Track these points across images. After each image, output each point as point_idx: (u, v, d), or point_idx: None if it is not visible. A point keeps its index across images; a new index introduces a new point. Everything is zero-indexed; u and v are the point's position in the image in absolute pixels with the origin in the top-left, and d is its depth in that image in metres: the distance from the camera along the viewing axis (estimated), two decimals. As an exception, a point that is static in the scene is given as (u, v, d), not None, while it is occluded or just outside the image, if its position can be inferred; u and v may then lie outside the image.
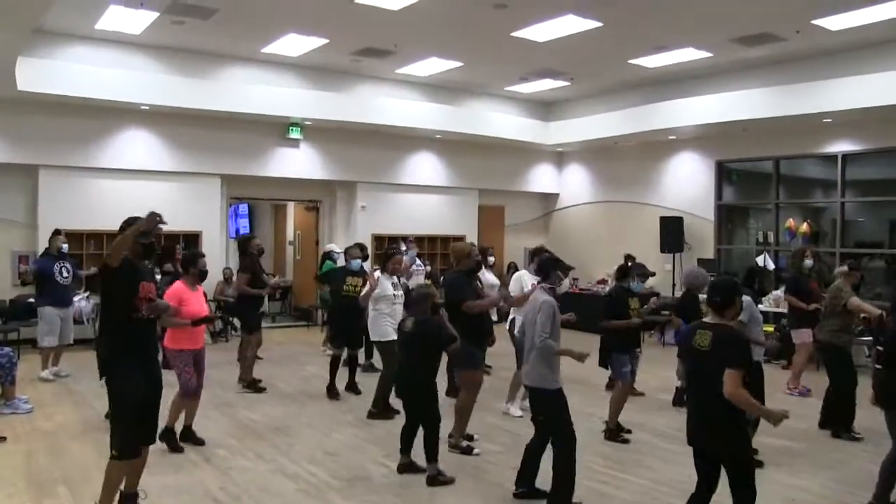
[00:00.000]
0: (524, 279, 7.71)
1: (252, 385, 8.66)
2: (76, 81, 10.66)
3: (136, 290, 4.45)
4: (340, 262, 10.09)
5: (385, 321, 7.30)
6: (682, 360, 4.30)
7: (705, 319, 4.19)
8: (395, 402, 7.30)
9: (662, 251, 13.82)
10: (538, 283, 5.48)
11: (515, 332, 7.42)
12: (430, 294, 5.80)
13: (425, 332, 5.61)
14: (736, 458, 4.03)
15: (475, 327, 6.34)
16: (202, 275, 6.53)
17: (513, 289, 7.68)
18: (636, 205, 15.15)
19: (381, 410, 7.38)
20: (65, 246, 9.45)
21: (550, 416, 5.03)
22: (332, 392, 8.31)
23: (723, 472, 4.08)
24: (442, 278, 7.04)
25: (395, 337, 6.41)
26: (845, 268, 7.50)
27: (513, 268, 14.82)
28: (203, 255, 6.72)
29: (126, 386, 4.38)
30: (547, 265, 5.46)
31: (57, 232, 9.56)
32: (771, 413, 3.98)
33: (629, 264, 7.45)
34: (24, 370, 8.63)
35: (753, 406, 3.93)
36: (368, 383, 8.67)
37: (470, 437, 6.52)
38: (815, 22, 9.60)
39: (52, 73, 10.45)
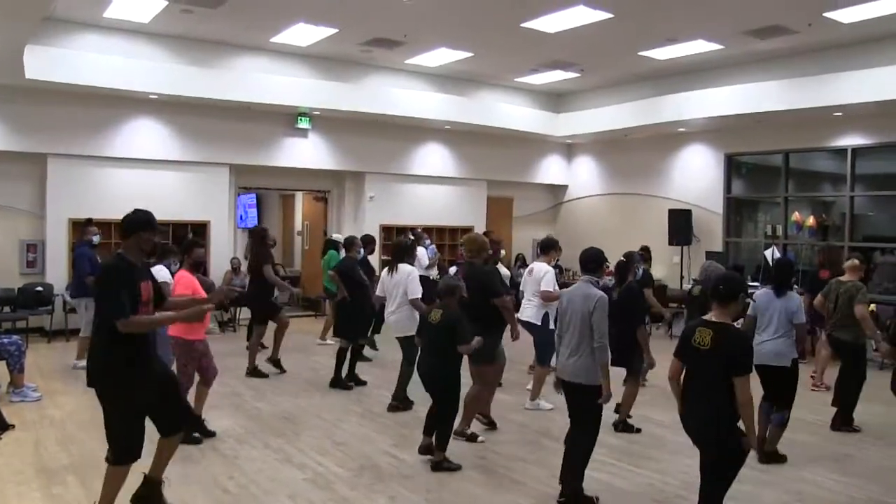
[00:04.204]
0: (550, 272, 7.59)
1: (255, 372, 8.87)
2: (85, 70, 10.65)
3: (139, 296, 4.24)
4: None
5: (415, 315, 7.14)
6: (678, 358, 4.16)
7: (706, 317, 4.11)
8: (411, 393, 7.37)
9: (671, 244, 13.79)
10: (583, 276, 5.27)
11: (550, 325, 7.28)
12: (459, 286, 5.85)
13: (452, 323, 5.63)
14: (721, 459, 3.99)
15: (499, 321, 6.42)
16: (196, 265, 6.41)
17: (549, 285, 7.47)
18: (645, 197, 15.11)
19: (401, 402, 7.37)
20: (96, 238, 9.53)
21: (589, 410, 4.97)
22: (340, 383, 8.35)
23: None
24: (455, 269, 6.95)
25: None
26: (855, 261, 7.32)
27: (520, 259, 14.82)
28: (202, 247, 6.62)
29: (136, 394, 4.19)
30: (597, 258, 5.26)
31: (88, 222, 9.64)
32: (752, 438, 4.01)
33: (623, 260, 7.37)
34: (32, 358, 8.67)
35: (750, 419, 3.91)
36: (365, 371, 8.84)
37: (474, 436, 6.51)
38: (827, 14, 9.52)
39: (60, 61, 10.44)
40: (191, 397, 6.22)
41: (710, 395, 3.93)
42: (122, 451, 4.26)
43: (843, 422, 6.99)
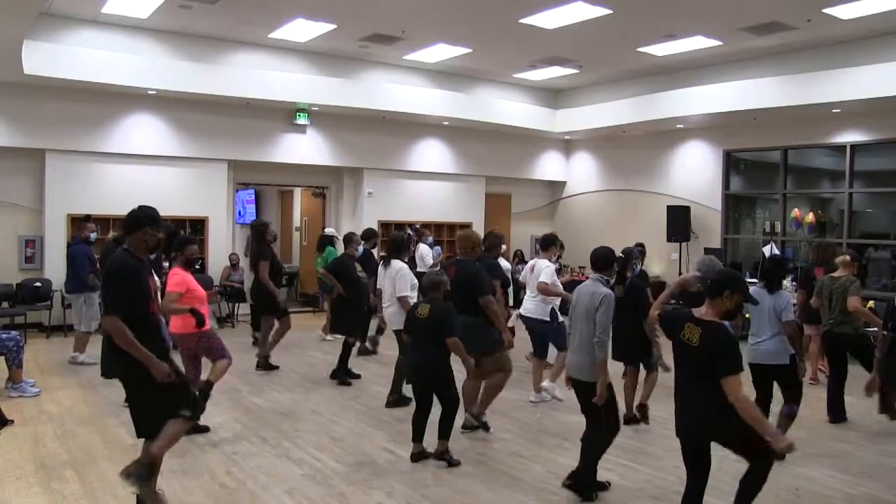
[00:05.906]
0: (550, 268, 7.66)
1: (267, 365, 8.88)
2: (83, 65, 10.63)
3: (149, 293, 4.31)
4: (340, 248, 10.11)
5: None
6: (663, 327, 4.30)
7: (696, 313, 4.07)
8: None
9: (669, 240, 13.80)
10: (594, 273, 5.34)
11: (559, 319, 7.50)
12: (443, 281, 5.90)
13: (442, 317, 5.65)
14: (739, 441, 3.99)
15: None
16: (188, 262, 6.35)
17: (547, 277, 7.51)
18: (643, 193, 15.12)
19: (399, 398, 7.38)
20: (93, 235, 9.54)
21: (598, 407, 5.00)
22: (339, 375, 8.36)
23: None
24: (449, 264, 6.98)
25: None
26: (846, 257, 7.32)
27: (518, 256, 14.83)
28: (194, 243, 6.61)
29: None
30: (607, 257, 5.35)
31: (87, 218, 9.67)
32: (779, 438, 3.86)
33: (622, 256, 7.42)
34: (30, 353, 8.68)
35: (759, 422, 3.76)
36: (362, 366, 8.86)
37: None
38: (826, 10, 9.50)
39: (58, 57, 10.42)
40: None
41: (697, 391, 3.95)
42: (193, 403, 4.42)
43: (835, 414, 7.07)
